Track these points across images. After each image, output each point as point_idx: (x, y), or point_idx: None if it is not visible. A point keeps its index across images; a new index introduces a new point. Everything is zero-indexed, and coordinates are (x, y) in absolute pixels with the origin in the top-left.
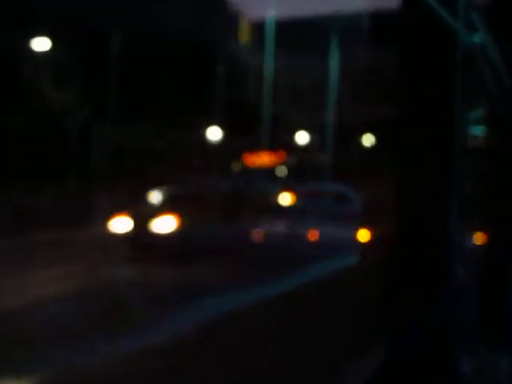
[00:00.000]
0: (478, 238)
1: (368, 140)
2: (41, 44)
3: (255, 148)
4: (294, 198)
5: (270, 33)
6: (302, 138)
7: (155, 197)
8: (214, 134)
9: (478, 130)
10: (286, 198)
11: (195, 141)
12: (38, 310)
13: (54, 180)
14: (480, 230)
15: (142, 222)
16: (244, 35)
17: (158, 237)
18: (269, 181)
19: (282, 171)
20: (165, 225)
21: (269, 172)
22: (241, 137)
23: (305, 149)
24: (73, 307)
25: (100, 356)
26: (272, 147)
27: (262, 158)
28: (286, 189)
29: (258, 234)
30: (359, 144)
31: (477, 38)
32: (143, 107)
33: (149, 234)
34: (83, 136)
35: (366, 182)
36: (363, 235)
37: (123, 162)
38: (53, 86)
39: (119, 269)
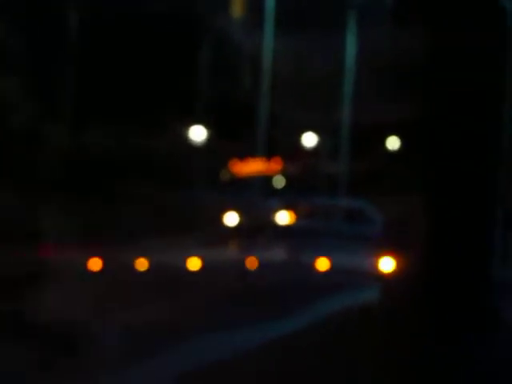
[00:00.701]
0: None
1: (392, 145)
2: None
3: (250, 153)
4: (294, 215)
5: (269, 7)
6: (309, 141)
7: None
8: (198, 135)
9: None
10: (283, 216)
11: (174, 145)
12: None
13: None
14: None
15: None
16: (237, 8)
17: None
18: (262, 193)
19: (280, 182)
20: None
21: (264, 182)
22: (232, 140)
23: (312, 154)
24: None
25: None
26: (271, 152)
27: (252, 166)
28: (285, 205)
29: (248, 262)
30: (381, 150)
31: None
32: (108, 103)
33: None
34: (29, 137)
35: (389, 196)
36: (385, 264)
37: (80, 173)
38: None
39: None
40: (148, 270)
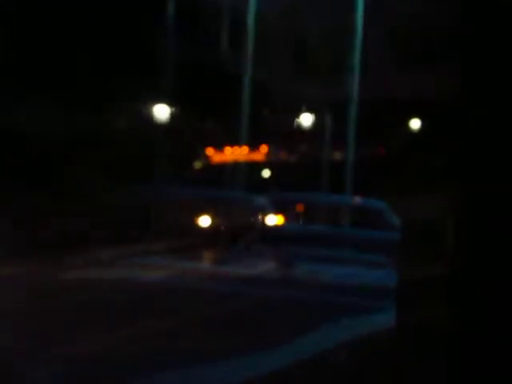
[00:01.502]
0: None
1: (413, 128)
2: None
3: (231, 137)
4: (286, 216)
5: None
6: (306, 122)
7: None
8: (164, 114)
9: None
10: (272, 218)
11: (132, 127)
12: None
13: None
14: None
15: None
16: None
17: None
18: (245, 188)
19: (268, 173)
20: None
21: (249, 174)
22: (208, 120)
23: (312, 138)
24: None
25: None
26: (258, 135)
27: (233, 152)
28: (275, 202)
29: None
30: (397, 134)
31: None
32: (48, 75)
33: None
34: None
35: (407, 193)
36: (403, 277)
37: (15, 160)
38: None
39: None
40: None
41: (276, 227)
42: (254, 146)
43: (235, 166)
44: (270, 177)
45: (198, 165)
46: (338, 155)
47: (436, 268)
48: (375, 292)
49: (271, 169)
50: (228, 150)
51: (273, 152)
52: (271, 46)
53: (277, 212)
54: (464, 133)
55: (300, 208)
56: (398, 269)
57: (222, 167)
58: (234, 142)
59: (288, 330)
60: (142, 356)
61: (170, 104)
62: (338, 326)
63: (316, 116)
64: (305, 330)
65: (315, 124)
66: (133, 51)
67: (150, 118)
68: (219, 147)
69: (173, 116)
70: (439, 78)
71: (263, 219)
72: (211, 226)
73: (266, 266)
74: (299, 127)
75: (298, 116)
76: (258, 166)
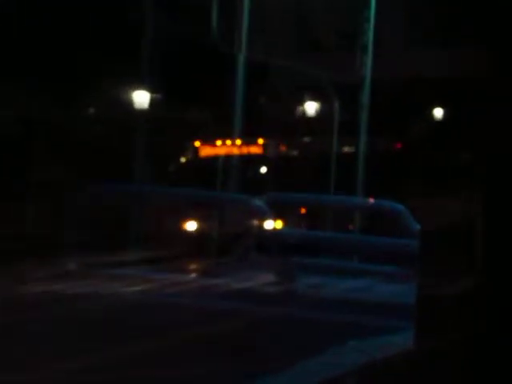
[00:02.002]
0: None
1: (436, 117)
2: None
3: (223, 127)
4: (287, 221)
5: None
6: (310, 110)
7: None
8: (144, 101)
9: None
10: (270, 222)
11: (106, 116)
12: None
13: None
14: None
15: None
16: None
17: None
18: (239, 187)
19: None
20: None
21: (243, 170)
22: (196, 107)
23: (314, 130)
24: None
25: None
26: (254, 125)
27: (225, 145)
28: (274, 204)
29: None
30: (417, 125)
31: None
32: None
33: None
34: None
35: (427, 194)
36: (422, 293)
37: None
38: None
39: None
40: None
41: (274, 233)
42: (249, 138)
43: (227, 162)
44: (268, 174)
45: (184, 160)
46: (347, 149)
47: (462, 283)
48: (391, 309)
49: (269, 165)
50: (219, 142)
51: (271, 145)
52: (269, 21)
53: (275, 215)
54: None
55: (303, 211)
56: (417, 283)
57: (212, 163)
58: (226, 133)
59: (288, 353)
60: None
61: (151, 90)
62: (346, 349)
63: (322, 103)
64: (307, 353)
65: (321, 112)
66: (106, 26)
67: (128, 105)
68: (209, 139)
69: (155, 103)
70: (466, 56)
71: (260, 224)
72: (199, 232)
73: (262, 279)
74: (302, 116)
75: (300, 103)
76: (253, 162)
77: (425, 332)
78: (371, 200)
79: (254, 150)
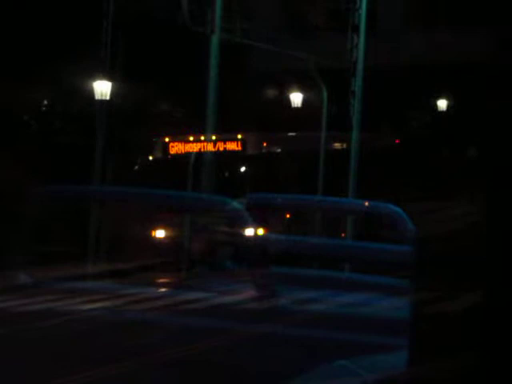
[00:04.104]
0: None
1: (439, 108)
2: None
3: (195, 120)
4: (271, 226)
5: None
6: (296, 100)
7: None
8: (104, 91)
9: None
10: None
11: (64, 107)
12: None
13: None
14: None
15: None
16: None
17: None
18: (214, 189)
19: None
20: None
21: (220, 168)
22: (166, 98)
23: (300, 123)
24: None
25: None
26: (229, 119)
27: (194, 143)
28: (255, 207)
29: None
30: (417, 118)
31: None
32: None
33: None
34: None
35: (426, 196)
36: (417, 310)
37: None
38: None
39: None
40: None
41: (256, 240)
42: (225, 133)
43: (200, 159)
44: (248, 173)
45: (151, 158)
46: (337, 145)
47: (462, 299)
48: (387, 326)
49: (249, 163)
50: (191, 137)
51: (251, 141)
52: None
53: (257, 220)
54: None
55: (288, 215)
56: (411, 299)
57: (183, 161)
58: (199, 127)
59: (270, 375)
60: None
61: (114, 78)
62: (332, 370)
63: (308, 92)
64: (292, 375)
65: (307, 102)
66: (63, 5)
67: (87, 96)
68: (179, 134)
69: (118, 94)
70: (472, 40)
71: (238, 229)
72: (170, 240)
73: (242, 293)
74: (286, 107)
75: (284, 92)
76: (231, 159)
77: (419, 356)
78: (366, 202)
79: (232, 146)
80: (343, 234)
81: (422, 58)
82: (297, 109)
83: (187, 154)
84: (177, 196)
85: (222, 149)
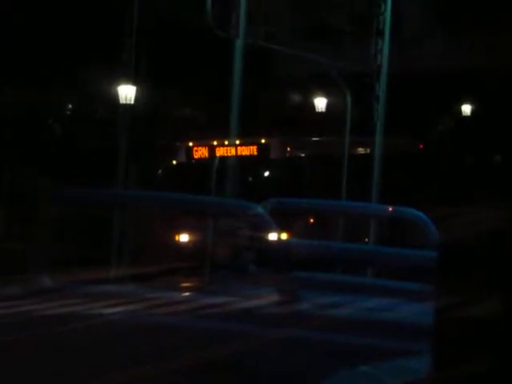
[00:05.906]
0: None
1: (464, 114)
2: None
3: (218, 125)
4: (294, 231)
5: None
6: (320, 105)
7: None
8: (128, 96)
9: None
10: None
11: (87, 112)
12: None
13: None
14: None
15: None
16: None
17: None
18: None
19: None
20: None
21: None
22: (190, 103)
23: (324, 129)
24: None
25: None
26: (253, 124)
27: (217, 147)
28: (278, 212)
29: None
30: (442, 123)
31: None
32: None
33: None
34: None
35: (451, 201)
36: (440, 316)
37: None
38: None
39: None
40: None
41: (279, 245)
42: (249, 138)
43: (224, 164)
44: (271, 178)
45: (174, 162)
46: (361, 150)
47: (487, 305)
48: (411, 332)
49: (273, 167)
50: (215, 142)
51: (275, 145)
52: (271, 2)
53: (280, 225)
54: None
55: (311, 219)
56: (434, 304)
57: (207, 165)
58: (223, 131)
59: (292, 381)
60: None
61: (138, 83)
62: (357, 375)
63: (332, 97)
64: (314, 381)
65: (331, 108)
66: (87, 11)
67: (111, 101)
68: (203, 139)
69: (142, 99)
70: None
71: (262, 234)
72: (193, 244)
73: (265, 297)
74: (310, 112)
75: (308, 97)
76: (254, 164)
77: (443, 361)
78: (390, 207)
79: (255, 150)
80: (367, 239)
81: (446, 62)
82: (321, 113)
83: (211, 159)
84: (200, 200)
85: (245, 153)
